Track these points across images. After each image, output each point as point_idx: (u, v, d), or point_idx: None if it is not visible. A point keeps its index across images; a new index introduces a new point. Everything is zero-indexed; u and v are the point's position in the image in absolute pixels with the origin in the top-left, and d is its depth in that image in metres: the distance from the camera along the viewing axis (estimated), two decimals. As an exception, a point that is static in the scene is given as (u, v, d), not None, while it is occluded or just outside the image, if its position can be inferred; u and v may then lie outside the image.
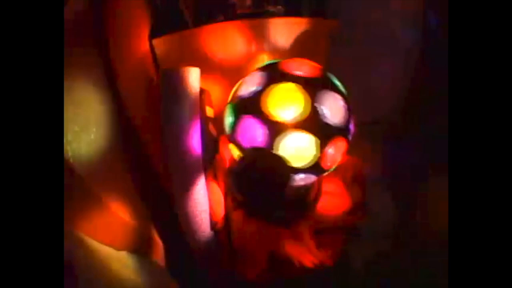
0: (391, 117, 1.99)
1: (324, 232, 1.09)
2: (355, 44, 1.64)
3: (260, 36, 1.18)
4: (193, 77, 1.00)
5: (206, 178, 1.03)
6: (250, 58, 1.16)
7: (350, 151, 1.07)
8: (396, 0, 1.80)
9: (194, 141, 0.99)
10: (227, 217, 1.08)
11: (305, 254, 1.05)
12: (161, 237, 1.08)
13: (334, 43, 1.38)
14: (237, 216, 1.07)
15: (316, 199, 1.08)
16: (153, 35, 1.13)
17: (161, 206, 1.09)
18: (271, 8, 1.19)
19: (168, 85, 0.99)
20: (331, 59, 1.34)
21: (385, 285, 1.32)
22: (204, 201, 1.03)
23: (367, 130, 1.75)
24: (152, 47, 1.13)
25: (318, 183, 1.08)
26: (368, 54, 1.74)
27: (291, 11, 1.23)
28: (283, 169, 0.93)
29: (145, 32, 1.13)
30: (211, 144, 1.06)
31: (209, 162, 1.05)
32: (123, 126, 0.97)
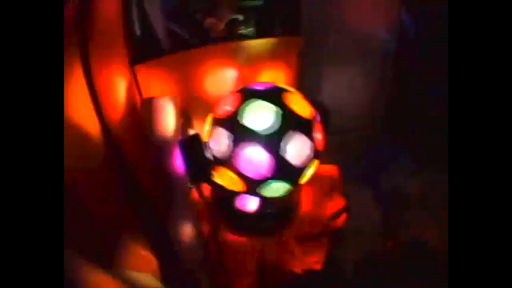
0: (370, 123, 2.08)
1: (308, 238, 1.13)
2: (330, 53, 1.73)
3: (236, 58, 1.21)
4: (172, 104, 1.06)
5: (191, 195, 1.07)
6: (228, 80, 1.19)
7: (330, 158, 1.11)
8: (371, 6, 1.87)
9: (178, 163, 1.03)
10: (214, 231, 1.10)
11: (293, 261, 1.11)
12: (154, 253, 1.11)
13: (306, 55, 1.46)
14: (224, 229, 1.10)
15: (297, 209, 1.10)
16: (134, 62, 1.16)
17: (150, 222, 1.11)
18: (243, 31, 1.24)
19: (149, 114, 1.05)
20: (307, 69, 1.43)
21: (379, 284, 1.37)
22: (190, 216, 1.06)
23: (348, 137, 1.85)
24: (134, 74, 1.18)
25: (297, 193, 1.09)
26: (343, 62, 1.83)
27: (263, 31, 1.27)
28: None
29: (126, 59, 1.18)
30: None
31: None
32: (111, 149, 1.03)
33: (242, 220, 1.05)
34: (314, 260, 1.14)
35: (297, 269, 1.11)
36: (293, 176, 0.86)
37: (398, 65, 2.12)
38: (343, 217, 1.16)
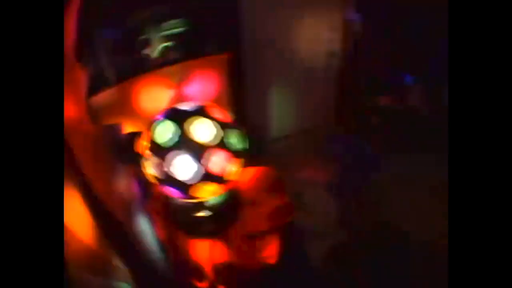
0: (325, 123, 2.18)
1: (256, 236, 1.18)
2: (281, 58, 1.83)
3: (171, 81, 1.32)
4: (123, 130, 1.19)
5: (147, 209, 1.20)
6: (169, 103, 1.29)
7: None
8: (314, 9, 2.04)
9: (133, 182, 1.18)
10: (171, 238, 1.19)
11: (245, 259, 1.17)
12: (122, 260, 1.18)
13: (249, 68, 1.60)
14: (179, 235, 1.18)
15: (237, 209, 1.18)
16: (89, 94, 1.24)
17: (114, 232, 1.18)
18: (177, 55, 1.33)
19: (104, 141, 1.16)
20: (250, 82, 1.60)
21: (347, 276, 1.43)
22: (148, 228, 1.19)
23: (303, 138, 1.96)
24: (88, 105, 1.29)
25: (236, 194, 1.18)
26: (294, 66, 1.93)
27: (193, 53, 1.37)
28: None
29: (82, 92, 1.29)
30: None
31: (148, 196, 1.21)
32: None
33: (189, 223, 1.14)
34: (265, 256, 1.18)
35: (250, 267, 1.17)
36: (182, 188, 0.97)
37: (345, 65, 2.22)
38: (289, 213, 1.22)
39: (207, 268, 1.16)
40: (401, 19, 2.86)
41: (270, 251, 1.20)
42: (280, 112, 2.06)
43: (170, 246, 1.18)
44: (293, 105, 2.13)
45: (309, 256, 1.45)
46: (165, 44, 1.31)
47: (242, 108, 1.59)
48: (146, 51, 1.29)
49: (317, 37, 2.13)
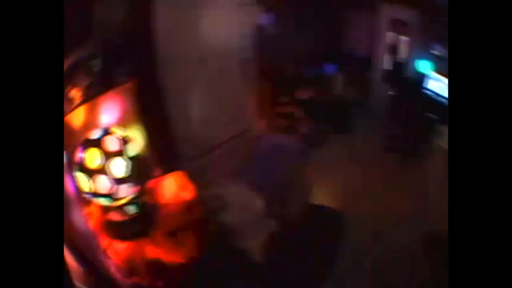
0: (250, 125, 2.58)
1: (176, 232, 1.37)
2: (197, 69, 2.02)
3: (96, 114, 1.50)
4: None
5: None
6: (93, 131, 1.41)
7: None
8: (225, 20, 2.20)
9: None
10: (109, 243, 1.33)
11: (170, 254, 1.32)
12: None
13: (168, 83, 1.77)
14: (112, 241, 1.32)
15: (156, 211, 1.37)
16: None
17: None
18: (95, 91, 1.46)
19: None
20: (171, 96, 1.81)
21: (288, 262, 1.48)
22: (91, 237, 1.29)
23: (235, 143, 2.38)
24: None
25: (153, 199, 1.39)
26: (211, 76, 2.15)
27: (108, 85, 1.51)
28: None
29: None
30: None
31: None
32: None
33: (118, 229, 1.32)
34: (188, 250, 1.34)
35: (177, 260, 1.32)
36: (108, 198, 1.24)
37: (260, 67, 2.56)
38: (200, 209, 1.42)
39: (141, 266, 1.31)
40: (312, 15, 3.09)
41: (193, 245, 1.36)
42: (205, 122, 2.24)
43: (108, 250, 1.32)
44: (215, 113, 2.31)
45: (244, 249, 1.60)
46: (86, 82, 1.42)
47: (156, 130, 1.75)
48: (72, 91, 1.38)
49: (231, 46, 2.30)
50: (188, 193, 1.43)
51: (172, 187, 1.42)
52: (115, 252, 1.29)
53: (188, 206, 1.39)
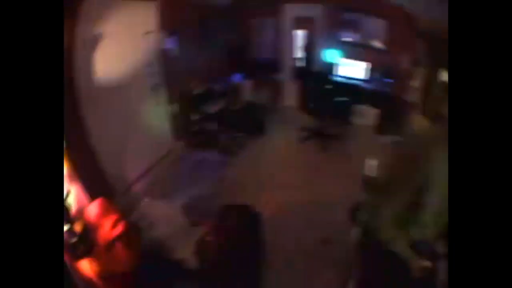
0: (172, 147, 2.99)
1: (110, 246, 1.59)
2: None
3: None
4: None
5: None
6: None
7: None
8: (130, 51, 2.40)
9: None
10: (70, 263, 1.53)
11: (112, 265, 1.57)
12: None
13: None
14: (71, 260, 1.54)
15: (94, 234, 1.59)
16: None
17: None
18: None
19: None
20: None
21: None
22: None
23: (159, 167, 2.79)
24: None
25: (89, 222, 1.60)
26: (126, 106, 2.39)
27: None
28: None
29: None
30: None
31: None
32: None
33: (71, 250, 1.53)
34: (120, 261, 1.58)
35: (118, 269, 1.56)
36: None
37: (168, 90, 2.84)
38: (120, 227, 1.62)
39: (95, 279, 1.56)
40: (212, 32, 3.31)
41: (123, 257, 1.61)
42: (128, 151, 2.49)
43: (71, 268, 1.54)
44: (136, 142, 2.57)
45: (180, 258, 1.81)
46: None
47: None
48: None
49: (140, 73, 2.51)
50: (112, 214, 1.65)
51: (96, 211, 1.65)
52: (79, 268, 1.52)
53: (113, 223, 1.61)
